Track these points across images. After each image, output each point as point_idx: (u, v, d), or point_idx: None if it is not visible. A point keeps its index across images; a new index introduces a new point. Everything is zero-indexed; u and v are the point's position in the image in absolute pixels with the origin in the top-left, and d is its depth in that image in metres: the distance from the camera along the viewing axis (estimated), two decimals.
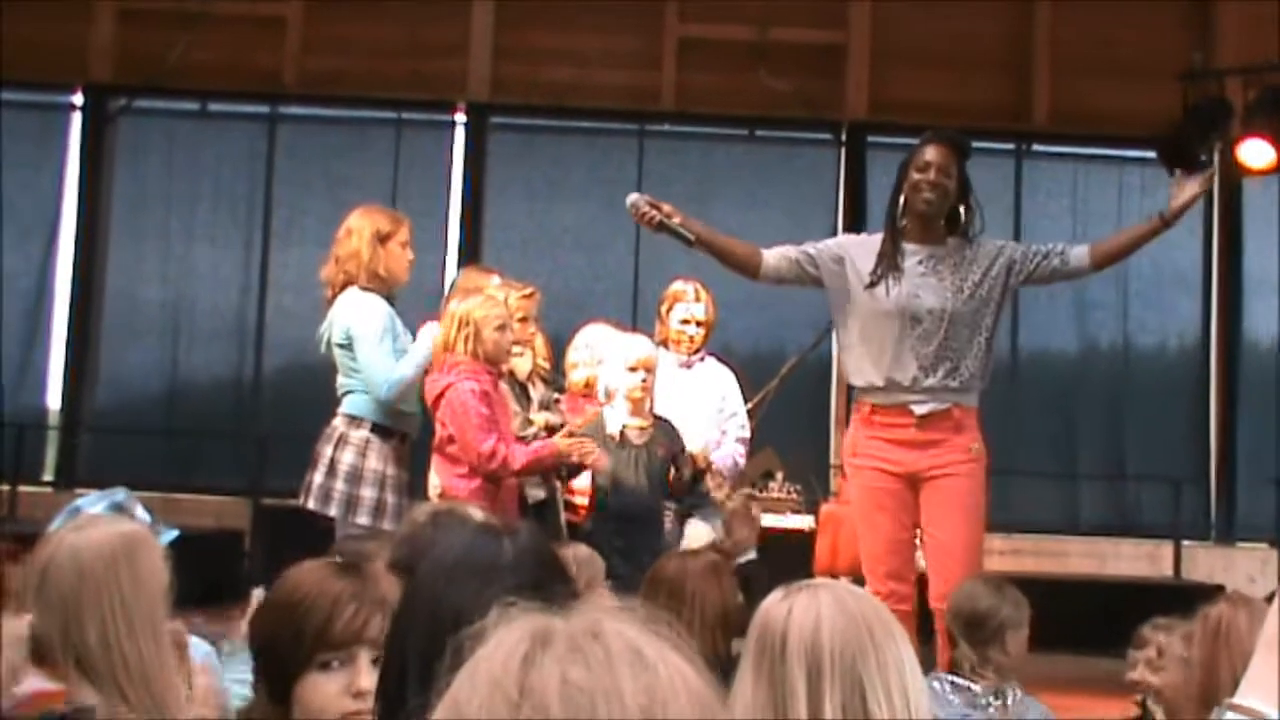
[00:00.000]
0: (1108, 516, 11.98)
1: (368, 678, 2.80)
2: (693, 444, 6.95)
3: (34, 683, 3.16)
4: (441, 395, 6.40)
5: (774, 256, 6.06)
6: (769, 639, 2.20)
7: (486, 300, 6.64)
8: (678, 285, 7.55)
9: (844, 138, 12.25)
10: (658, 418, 6.89)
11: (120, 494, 4.30)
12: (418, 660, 2.34)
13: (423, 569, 2.59)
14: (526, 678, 1.25)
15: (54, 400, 12.10)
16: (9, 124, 11.97)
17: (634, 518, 6.65)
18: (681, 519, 7.14)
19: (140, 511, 4.25)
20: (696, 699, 1.27)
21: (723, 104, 12.11)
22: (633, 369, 6.79)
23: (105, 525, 3.50)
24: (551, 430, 6.79)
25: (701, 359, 7.47)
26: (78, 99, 12.29)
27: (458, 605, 2.28)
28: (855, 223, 11.58)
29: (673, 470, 6.78)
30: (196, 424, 11.87)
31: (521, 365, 7.07)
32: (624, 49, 12.26)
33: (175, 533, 4.41)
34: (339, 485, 6.51)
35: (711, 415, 7.21)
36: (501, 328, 6.60)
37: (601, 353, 7.22)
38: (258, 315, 12.20)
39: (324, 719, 3.02)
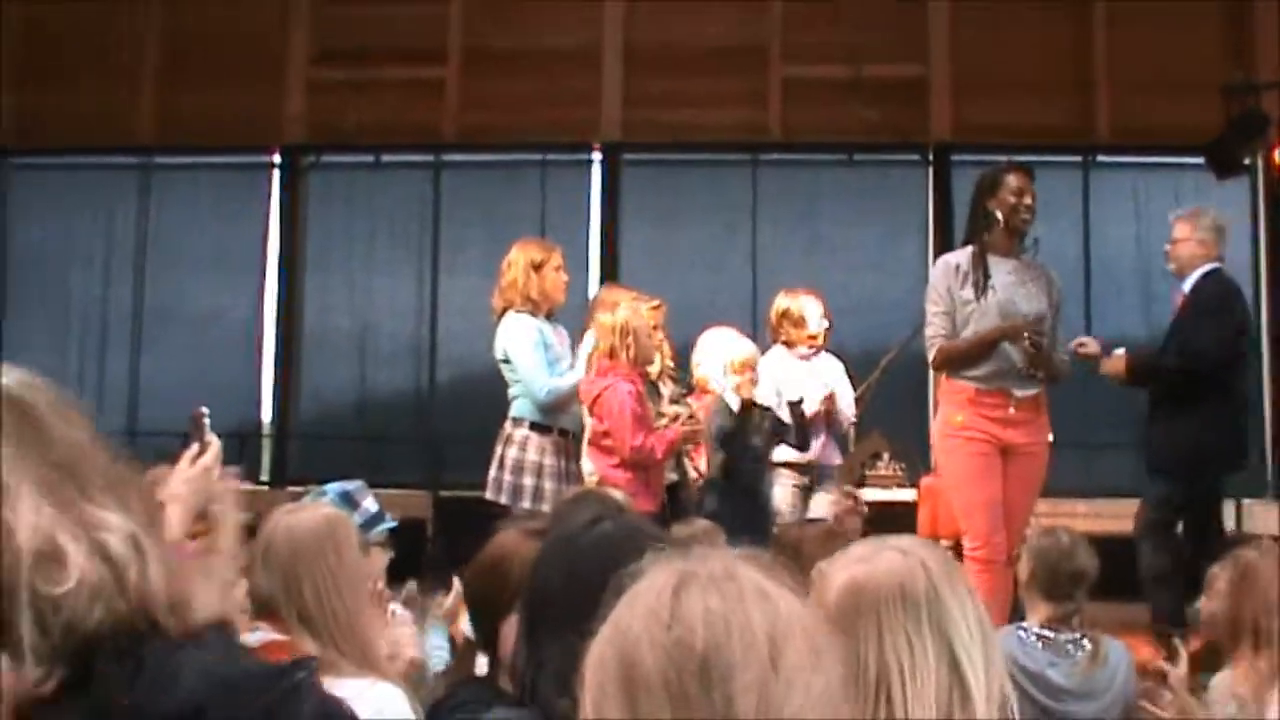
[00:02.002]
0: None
1: None
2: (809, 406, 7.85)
3: (263, 634, 3.54)
4: (599, 396, 7.20)
5: (950, 338, 6.83)
6: (862, 592, 2.18)
7: (636, 312, 7.42)
8: (805, 298, 8.62)
9: (930, 158, 12.89)
10: (759, 405, 7.75)
11: (355, 484, 5.02)
12: (555, 610, 2.67)
13: (560, 533, 2.99)
14: (676, 606, 1.50)
15: (266, 413, 13.15)
16: (220, 182, 13.37)
17: (745, 491, 7.56)
18: (805, 492, 8.24)
19: (369, 501, 5.02)
20: (808, 629, 1.52)
21: (823, 133, 12.79)
22: (737, 367, 7.72)
23: (311, 510, 4.00)
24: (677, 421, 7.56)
25: (817, 353, 8.55)
26: (275, 158, 13.31)
27: (585, 566, 2.62)
28: (943, 232, 12.28)
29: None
30: (382, 429, 12.77)
31: (653, 366, 7.77)
32: (735, 90, 12.87)
33: (395, 523, 5.20)
34: (507, 476, 7.42)
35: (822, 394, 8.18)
36: (650, 334, 7.51)
37: (710, 353, 8.14)
38: (430, 336, 13.15)
39: None
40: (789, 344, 8.48)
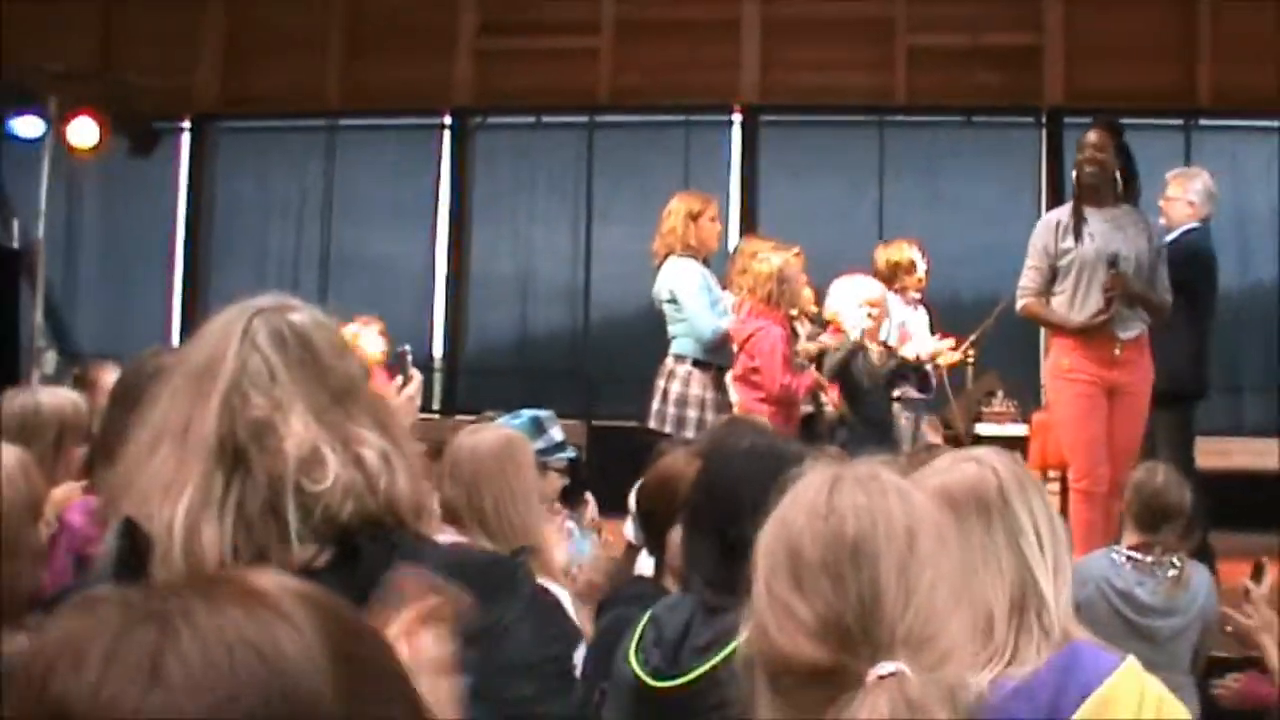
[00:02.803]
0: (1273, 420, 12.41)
1: None
2: (913, 351, 8.08)
3: (450, 536, 3.62)
4: (752, 336, 7.59)
5: (1039, 293, 7.07)
6: (944, 498, 2.22)
7: (787, 261, 7.76)
8: (909, 248, 8.93)
9: (1044, 121, 13.28)
10: (884, 344, 7.98)
11: (547, 414, 5.40)
12: (709, 517, 2.90)
13: (716, 454, 3.20)
14: (831, 501, 1.74)
15: (437, 349, 14.01)
16: (397, 142, 14.48)
17: (869, 421, 7.77)
18: (914, 425, 8.58)
19: (556, 430, 5.40)
20: (935, 521, 1.76)
21: (944, 98, 13.24)
22: (866, 305, 7.84)
23: (493, 430, 4.26)
24: (812, 359, 7.92)
25: (922, 300, 8.98)
26: (446, 120, 14.29)
27: (737, 480, 2.82)
28: (1054, 189, 12.58)
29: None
30: (541, 365, 13.54)
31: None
32: (863, 57, 13.43)
33: (574, 454, 5.63)
34: (670, 409, 7.68)
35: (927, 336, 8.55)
36: (800, 281, 7.94)
37: (841, 297, 8.05)
38: (585, 280, 14.00)
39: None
40: (901, 290, 8.77)
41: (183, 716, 0.89)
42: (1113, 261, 6.95)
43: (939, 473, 2.48)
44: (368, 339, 8.32)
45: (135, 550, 1.99)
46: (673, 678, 2.86)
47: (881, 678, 1.61)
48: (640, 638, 2.98)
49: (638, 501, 4.13)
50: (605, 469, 8.67)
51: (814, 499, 1.73)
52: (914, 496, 1.77)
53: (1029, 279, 7.20)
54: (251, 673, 0.92)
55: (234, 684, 0.91)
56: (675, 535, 3.53)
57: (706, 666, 2.75)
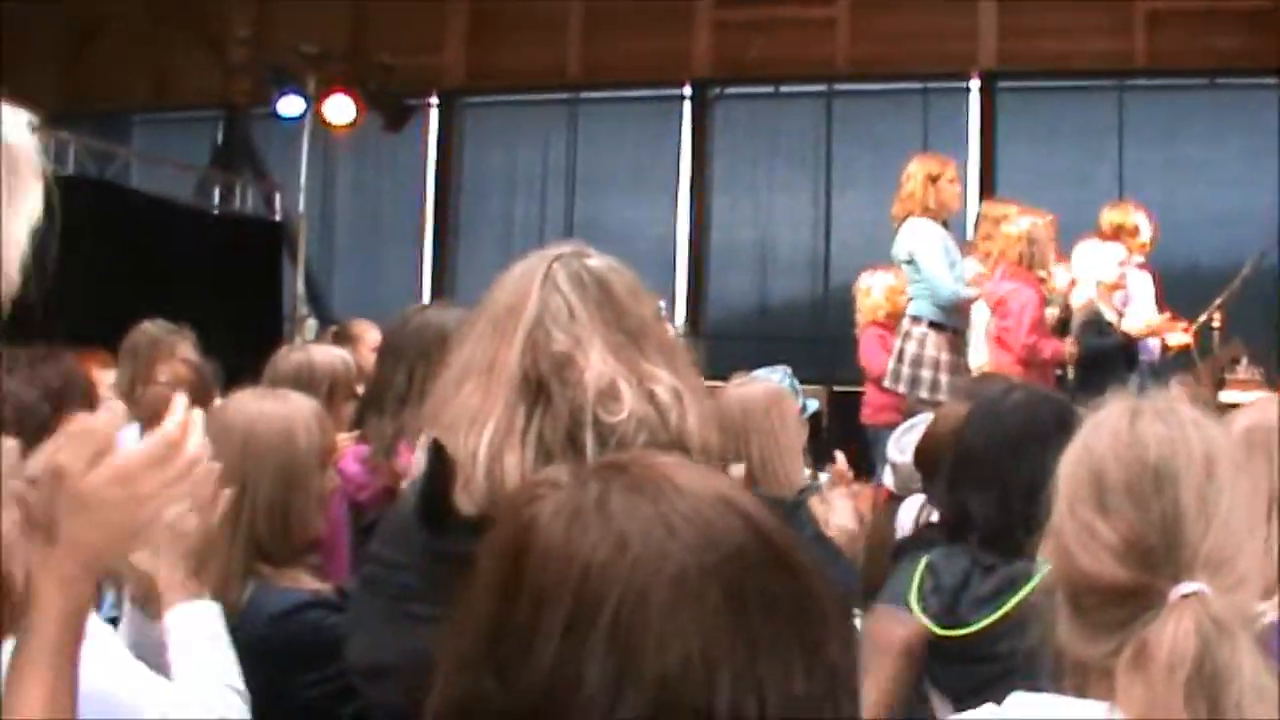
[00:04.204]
0: None
1: None
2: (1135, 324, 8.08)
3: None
4: (1004, 298, 7.73)
5: None
6: (1253, 434, 2.44)
7: (1035, 224, 7.94)
8: (1135, 211, 8.84)
9: None
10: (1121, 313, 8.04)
11: (786, 370, 5.41)
12: (979, 465, 3.03)
13: (975, 405, 3.36)
14: (1133, 430, 1.85)
15: (679, 317, 13.94)
16: (638, 114, 14.79)
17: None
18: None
19: (796, 385, 5.31)
20: (1229, 450, 1.87)
21: (1183, 61, 13.09)
22: (1109, 285, 8.03)
23: (761, 383, 4.43)
24: (1059, 322, 8.08)
25: (1146, 265, 8.78)
26: (686, 91, 14.55)
27: (1007, 426, 2.98)
28: None
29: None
30: (781, 330, 13.71)
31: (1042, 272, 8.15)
32: (1102, 21, 13.24)
33: (816, 403, 5.86)
34: (905, 368, 7.83)
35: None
36: (1049, 244, 8.02)
37: (1084, 263, 8.19)
38: (824, 247, 14.12)
39: None
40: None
41: (695, 562, 1.09)
42: None
43: (1250, 412, 2.62)
44: None
45: (442, 472, 2.13)
46: (953, 626, 3.00)
47: (1184, 596, 1.69)
48: (919, 585, 3.11)
49: (917, 452, 4.23)
50: (845, 432, 8.95)
51: (1116, 427, 1.82)
52: (1210, 428, 1.85)
53: None
54: (733, 521, 1.13)
55: (726, 531, 1.12)
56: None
57: (995, 616, 2.88)
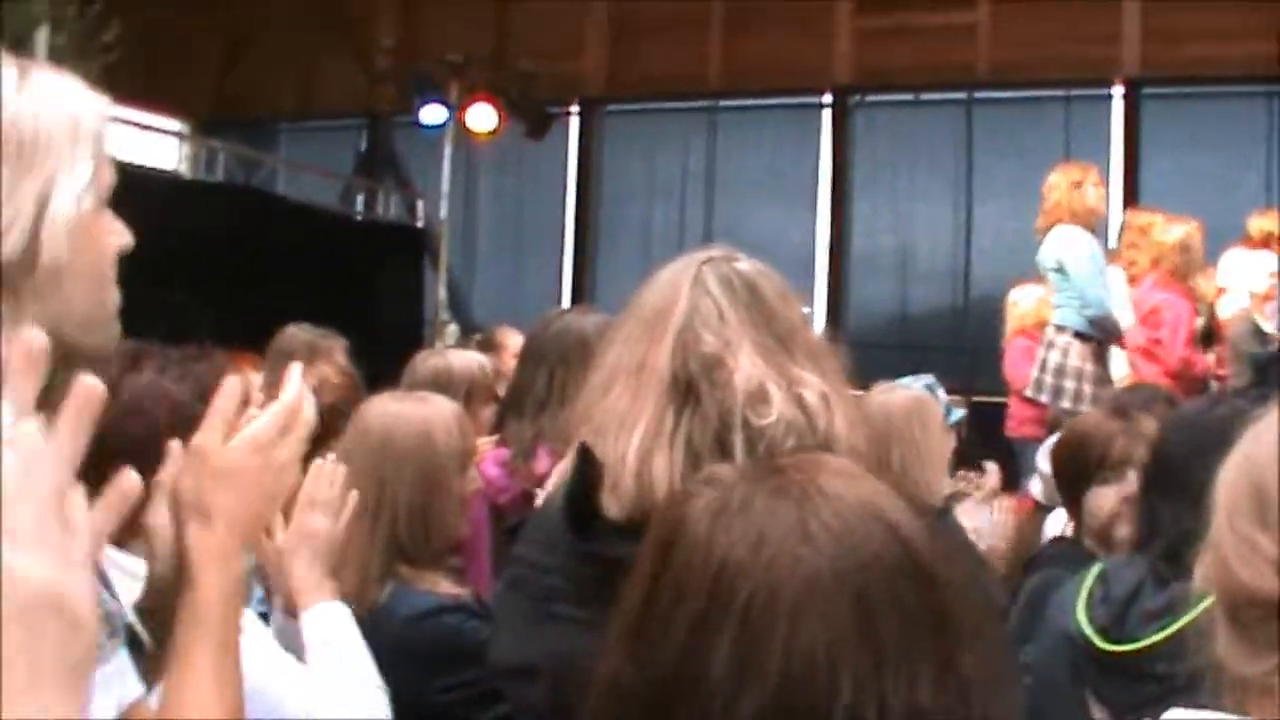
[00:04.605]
0: None
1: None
2: None
3: None
4: (1156, 308, 7.64)
5: None
6: None
7: (1187, 233, 7.84)
8: None
9: None
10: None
11: (931, 379, 5.36)
12: (1175, 479, 2.88)
13: (1173, 418, 3.26)
14: None
15: (819, 324, 13.20)
16: (777, 122, 14.81)
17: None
18: None
19: (941, 394, 5.33)
20: None
21: None
22: (1262, 295, 7.85)
23: (904, 391, 4.41)
24: (1204, 331, 7.95)
25: None
26: (826, 99, 14.60)
27: (1208, 441, 2.64)
28: None
29: None
30: (921, 340, 13.44)
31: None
32: (1250, 25, 12.63)
33: (962, 412, 5.84)
34: (1049, 378, 7.70)
35: None
36: (1199, 253, 7.91)
37: (1233, 274, 8.12)
38: (965, 256, 14.02)
39: (1101, 518, 3.69)
40: None
41: (828, 566, 1.13)
42: None
43: None
44: None
45: (590, 475, 2.11)
46: (1120, 641, 2.91)
47: None
48: (1089, 594, 3.02)
49: (1053, 462, 4.16)
50: (988, 442, 8.73)
51: (1277, 437, 1.72)
52: None
53: None
54: (875, 529, 1.17)
55: (865, 538, 1.15)
56: (1092, 496, 3.65)
57: (1165, 634, 2.78)
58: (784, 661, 1.10)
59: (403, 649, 2.72)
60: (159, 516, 1.67)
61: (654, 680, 1.15)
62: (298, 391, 1.72)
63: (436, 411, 3.20)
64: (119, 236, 1.57)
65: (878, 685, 1.10)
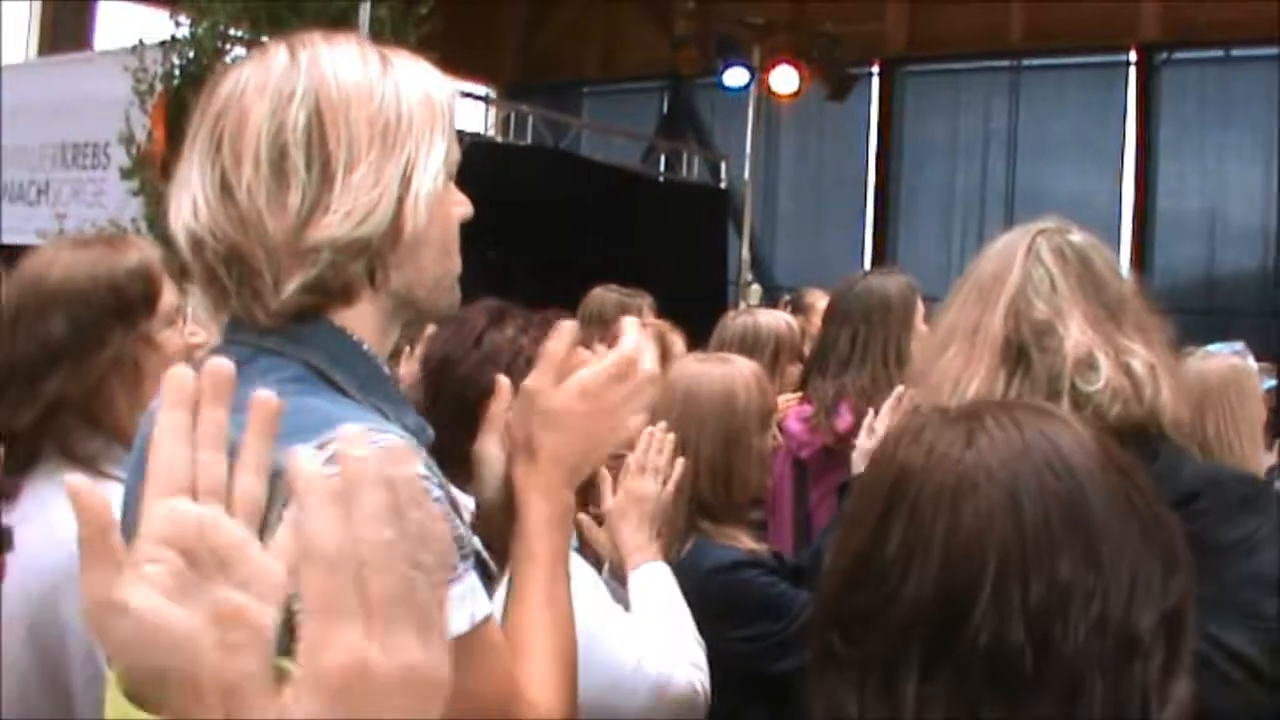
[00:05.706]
0: None
1: None
2: None
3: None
4: None
5: None
6: None
7: None
8: None
9: None
10: None
11: (1241, 345, 4.86)
12: None
13: None
14: None
15: None
16: (1081, 80, 14.71)
17: None
18: None
19: (1251, 361, 4.76)
20: None
21: None
22: None
23: (1221, 357, 4.20)
24: None
25: None
26: (1132, 57, 14.42)
27: None
28: None
29: None
30: (1229, 303, 13.57)
31: None
32: None
33: (1274, 381, 5.52)
34: None
35: None
36: None
37: None
38: (1277, 218, 13.73)
39: None
40: None
41: (988, 466, 1.28)
42: None
43: None
44: None
45: None
46: None
47: None
48: None
49: None
50: None
51: None
52: None
53: None
54: (1037, 445, 1.30)
55: (1024, 450, 1.29)
56: None
57: None
58: (944, 546, 1.25)
59: (700, 599, 2.77)
60: (489, 446, 1.80)
61: (842, 565, 1.34)
62: (636, 342, 1.79)
63: (737, 371, 3.27)
64: (463, 207, 1.70)
65: (1021, 561, 1.23)
